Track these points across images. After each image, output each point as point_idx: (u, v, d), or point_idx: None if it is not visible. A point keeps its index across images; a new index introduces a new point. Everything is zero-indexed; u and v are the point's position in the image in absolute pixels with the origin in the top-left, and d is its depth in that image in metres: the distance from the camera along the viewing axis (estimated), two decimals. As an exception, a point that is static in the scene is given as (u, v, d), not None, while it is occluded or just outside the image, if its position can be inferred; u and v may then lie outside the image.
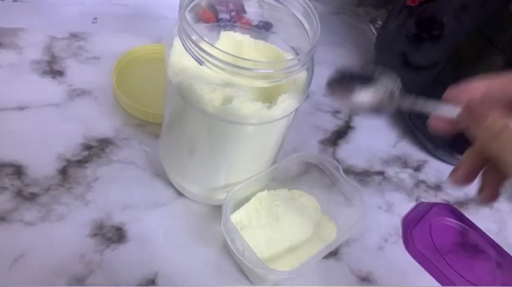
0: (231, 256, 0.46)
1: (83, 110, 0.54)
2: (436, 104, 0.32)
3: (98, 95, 0.56)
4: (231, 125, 0.39)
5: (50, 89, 0.55)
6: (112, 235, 0.45)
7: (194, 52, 0.36)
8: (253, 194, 0.48)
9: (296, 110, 0.42)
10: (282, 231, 0.47)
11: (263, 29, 0.48)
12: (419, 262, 0.51)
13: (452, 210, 0.56)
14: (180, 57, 0.39)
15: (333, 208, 0.49)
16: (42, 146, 0.50)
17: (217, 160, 0.44)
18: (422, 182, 0.59)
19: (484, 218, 0.56)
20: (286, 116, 0.41)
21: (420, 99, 0.32)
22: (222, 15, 0.65)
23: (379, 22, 0.81)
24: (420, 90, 0.60)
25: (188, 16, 0.39)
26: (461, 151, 0.59)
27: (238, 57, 0.35)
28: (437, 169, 0.61)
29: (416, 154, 0.62)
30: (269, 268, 0.39)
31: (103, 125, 0.53)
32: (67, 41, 0.61)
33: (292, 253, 0.46)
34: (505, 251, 0.53)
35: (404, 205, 0.55)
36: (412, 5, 0.61)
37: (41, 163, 0.48)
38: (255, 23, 0.52)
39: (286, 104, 0.39)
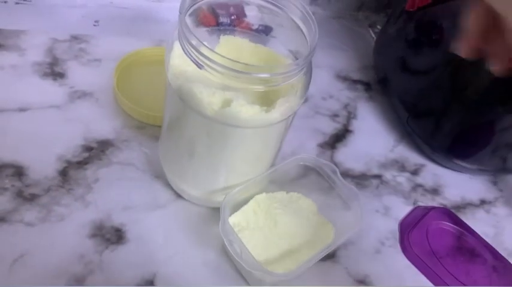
0: (229, 258, 0.46)
1: (84, 112, 0.54)
2: None
3: (99, 97, 0.56)
4: (230, 128, 0.40)
5: (51, 90, 0.56)
6: (111, 235, 0.45)
7: (194, 56, 0.36)
8: (251, 197, 0.48)
9: (294, 113, 0.43)
10: (279, 233, 0.47)
11: (263, 33, 0.49)
12: (416, 265, 0.51)
13: (449, 214, 0.56)
14: (180, 61, 0.40)
15: (330, 211, 0.50)
16: (42, 147, 0.50)
17: (216, 162, 0.44)
18: (420, 186, 0.59)
19: (480, 222, 0.57)
20: (284, 119, 0.41)
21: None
22: (222, 19, 0.66)
23: (378, 27, 0.82)
24: (419, 95, 0.61)
25: (188, 20, 0.39)
26: (458, 156, 0.60)
27: (237, 62, 0.35)
28: (435, 173, 0.61)
29: (413, 157, 0.62)
30: (266, 270, 0.40)
31: (103, 126, 0.53)
32: (68, 44, 0.61)
33: (289, 256, 0.46)
34: (501, 255, 0.53)
35: (402, 209, 0.56)
36: (411, 10, 0.61)
37: (42, 164, 0.49)
38: (255, 27, 0.52)
39: (285, 107, 0.40)
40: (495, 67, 0.35)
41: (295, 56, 0.45)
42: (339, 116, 0.64)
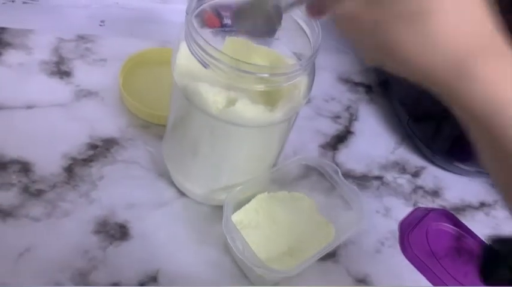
0: (231, 255, 0.47)
1: (89, 110, 0.55)
2: None
3: (104, 96, 0.57)
4: (234, 127, 0.40)
5: (57, 89, 0.56)
6: (115, 232, 0.46)
7: (200, 55, 0.37)
8: (253, 196, 0.49)
9: (297, 113, 0.44)
10: (281, 232, 0.48)
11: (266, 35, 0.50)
12: (415, 266, 0.52)
13: (449, 215, 0.57)
14: (186, 61, 0.41)
15: (331, 211, 0.50)
16: (49, 145, 0.51)
17: (219, 161, 0.45)
18: (420, 187, 0.60)
19: (479, 224, 0.57)
20: (287, 119, 0.42)
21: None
22: (226, 21, 0.66)
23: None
24: (419, 98, 0.62)
25: (194, 21, 0.40)
26: (458, 158, 0.61)
27: (242, 62, 0.36)
28: (435, 175, 0.62)
29: (414, 160, 0.63)
30: (268, 267, 0.41)
31: (108, 125, 0.54)
32: (75, 43, 0.62)
33: (290, 254, 0.47)
34: (500, 257, 0.54)
35: (402, 210, 0.57)
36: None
37: (48, 161, 0.50)
38: (258, 28, 0.53)
39: (288, 107, 0.41)
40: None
41: (299, 57, 0.45)
42: (341, 117, 0.65)
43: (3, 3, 0.65)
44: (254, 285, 0.46)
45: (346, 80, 0.70)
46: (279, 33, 0.47)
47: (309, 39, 0.42)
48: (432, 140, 0.61)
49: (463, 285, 0.50)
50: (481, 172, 0.60)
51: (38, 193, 0.47)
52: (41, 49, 0.60)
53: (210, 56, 0.36)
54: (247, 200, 0.48)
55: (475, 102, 0.25)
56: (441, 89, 0.27)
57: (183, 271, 0.45)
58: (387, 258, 0.52)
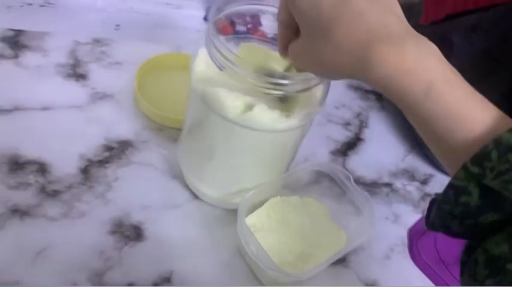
0: (244, 257, 0.47)
1: (105, 112, 0.56)
2: None
3: (120, 99, 0.58)
4: (250, 131, 0.41)
5: (73, 91, 0.57)
6: (130, 233, 0.47)
7: (220, 62, 0.38)
8: (266, 200, 0.50)
9: (312, 120, 0.44)
10: (292, 236, 0.49)
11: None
12: (424, 272, 0.52)
13: (457, 223, 0.57)
14: (204, 67, 0.42)
15: (342, 216, 0.51)
16: (65, 146, 0.52)
17: (234, 165, 0.46)
18: (429, 195, 0.61)
19: (488, 233, 0.58)
20: (302, 125, 0.43)
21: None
22: (239, 28, 0.67)
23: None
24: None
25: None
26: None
27: (261, 68, 0.37)
28: (443, 183, 0.61)
29: (423, 167, 0.63)
30: (282, 270, 0.41)
31: (123, 127, 0.55)
32: (90, 46, 0.63)
33: (302, 259, 0.47)
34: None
35: (411, 217, 0.57)
36: (424, 23, 0.63)
37: (64, 162, 0.50)
38: (270, 35, 0.54)
39: (304, 114, 0.41)
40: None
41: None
42: (351, 124, 0.65)
43: (21, 6, 0.67)
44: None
45: (356, 88, 0.71)
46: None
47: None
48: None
49: (471, 292, 0.50)
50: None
51: (55, 194, 0.48)
52: (57, 52, 0.61)
53: (230, 62, 0.37)
54: (260, 204, 0.49)
55: (384, 84, 0.29)
56: (360, 80, 0.31)
57: (195, 272, 0.46)
58: (397, 264, 0.52)
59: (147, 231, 0.47)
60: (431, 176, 0.63)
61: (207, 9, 0.75)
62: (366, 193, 0.50)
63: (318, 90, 0.43)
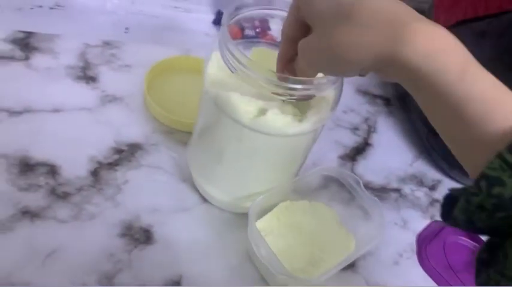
0: (253, 262, 0.47)
1: (115, 115, 0.56)
2: None
3: (129, 101, 0.58)
4: (262, 136, 0.41)
5: (83, 93, 0.58)
6: (140, 236, 0.47)
7: (233, 65, 0.38)
8: (275, 204, 0.50)
9: (323, 125, 0.44)
10: (301, 241, 0.49)
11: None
12: (433, 278, 0.52)
13: (466, 229, 0.57)
14: (217, 70, 0.42)
15: (351, 221, 0.51)
16: (75, 148, 0.52)
17: (244, 169, 0.46)
18: (437, 201, 0.60)
19: (496, 239, 0.57)
20: (314, 130, 0.43)
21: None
22: (247, 32, 0.68)
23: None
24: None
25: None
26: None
27: (274, 72, 0.37)
28: (452, 189, 0.62)
29: (431, 173, 0.63)
30: (292, 275, 0.41)
31: (133, 130, 0.55)
32: (100, 49, 0.63)
33: (311, 263, 0.47)
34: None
35: (419, 222, 0.57)
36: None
37: (74, 164, 0.50)
38: (279, 39, 0.54)
39: (316, 119, 0.41)
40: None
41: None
42: (359, 129, 0.65)
43: (31, 8, 0.67)
44: (275, 291, 0.46)
45: (364, 92, 0.71)
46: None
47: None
48: (450, 154, 0.61)
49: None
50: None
51: (65, 196, 0.48)
52: (67, 54, 0.61)
53: (244, 65, 0.37)
54: (270, 209, 0.49)
55: (417, 63, 0.28)
56: (385, 62, 0.29)
57: (205, 276, 0.46)
58: (405, 270, 0.52)
59: (156, 234, 0.47)
60: (439, 181, 0.63)
61: (216, 13, 0.75)
62: (375, 198, 0.50)
63: (330, 96, 0.43)
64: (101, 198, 0.49)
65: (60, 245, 0.44)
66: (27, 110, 0.54)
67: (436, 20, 0.62)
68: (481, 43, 0.56)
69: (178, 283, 0.45)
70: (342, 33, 0.30)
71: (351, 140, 0.64)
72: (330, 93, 0.42)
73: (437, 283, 0.52)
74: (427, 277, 0.52)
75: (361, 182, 0.50)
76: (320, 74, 0.39)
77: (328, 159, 0.61)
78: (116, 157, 0.52)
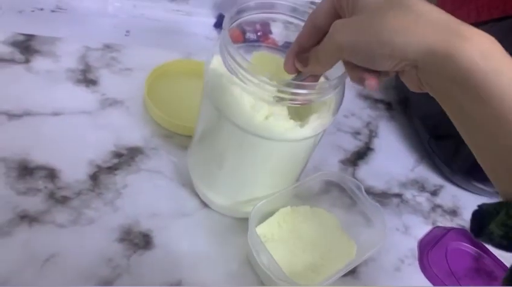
0: (253, 268, 0.47)
1: (115, 119, 0.56)
2: None
3: (129, 105, 0.58)
4: (263, 140, 0.41)
5: (83, 97, 0.57)
6: (139, 241, 0.46)
7: (234, 69, 0.38)
8: (276, 209, 0.49)
9: (324, 130, 0.44)
10: (302, 247, 0.48)
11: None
12: (434, 285, 0.52)
13: (468, 235, 0.57)
14: (218, 74, 0.41)
15: (352, 227, 0.51)
16: (74, 152, 0.51)
17: (245, 173, 0.46)
18: (439, 206, 0.60)
19: (499, 245, 0.57)
20: (315, 135, 0.43)
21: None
22: (249, 35, 0.67)
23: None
24: (440, 117, 0.62)
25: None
26: (477, 178, 0.61)
27: (276, 77, 0.37)
28: (453, 195, 0.62)
29: (433, 178, 0.63)
30: (293, 281, 0.41)
31: (133, 134, 0.55)
32: (101, 52, 0.63)
33: (312, 269, 0.47)
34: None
35: (421, 228, 0.57)
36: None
37: (73, 168, 0.50)
38: (280, 43, 0.54)
39: (317, 123, 0.41)
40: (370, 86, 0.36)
41: (326, 77, 0.45)
42: (361, 134, 0.65)
43: (32, 11, 0.67)
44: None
45: (366, 97, 0.71)
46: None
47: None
48: (452, 160, 0.61)
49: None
50: (499, 192, 0.60)
51: (64, 200, 0.47)
52: (68, 57, 0.61)
53: (245, 70, 0.37)
54: (270, 214, 0.49)
55: (477, 59, 0.27)
56: (438, 56, 0.28)
57: (204, 281, 0.46)
58: (407, 276, 0.52)
59: (156, 239, 0.47)
60: (441, 187, 0.62)
61: (217, 17, 0.75)
62: (377, 204, 0.49)
63: (332, 101, 0.42)
64: (100, 202, 0.48)
65: (58, 250, 0.44)
66: (26, 114, 0.54)
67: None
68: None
69: (177, 288, 0.44)
70: (394, 17, 0.29)
71: (352, 144, 0.63)
72: (331, 98, 0.41)
73: (439, 290, 0.51)
74: (429, 283, 0.52)
75: (362, 187, 0.50)
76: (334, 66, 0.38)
77: (329, 163, 0.60)
78: (116, 161, 0.52)
